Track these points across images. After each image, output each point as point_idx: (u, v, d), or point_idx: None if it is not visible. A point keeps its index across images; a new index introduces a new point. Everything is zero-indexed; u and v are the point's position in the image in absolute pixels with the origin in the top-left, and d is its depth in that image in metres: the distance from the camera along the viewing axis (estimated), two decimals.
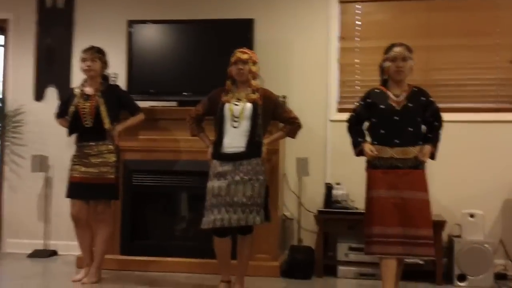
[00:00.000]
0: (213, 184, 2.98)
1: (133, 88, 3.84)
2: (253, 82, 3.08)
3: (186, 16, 4.04)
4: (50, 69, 4.37)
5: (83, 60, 3.38)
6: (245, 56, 3.06)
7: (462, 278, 3.45)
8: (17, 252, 4.24)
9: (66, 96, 3.55)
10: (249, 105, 3.02)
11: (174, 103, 3.96)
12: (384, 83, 2.96)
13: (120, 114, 3.47)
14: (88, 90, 3.40)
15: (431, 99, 2.93)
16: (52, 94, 4.37)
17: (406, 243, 2.77)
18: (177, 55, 3.90)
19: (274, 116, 3.14)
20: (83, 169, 3.34)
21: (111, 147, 3.37)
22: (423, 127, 2.94)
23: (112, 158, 3.36)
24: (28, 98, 4.39)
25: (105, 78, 3.49)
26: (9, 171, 4.41)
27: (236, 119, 3.00)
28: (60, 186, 4.16)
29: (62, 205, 4.02)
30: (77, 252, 3.65)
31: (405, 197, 2.79)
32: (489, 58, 3.90)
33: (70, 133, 3.42)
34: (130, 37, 3.93)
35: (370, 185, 2.88)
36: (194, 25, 3.96)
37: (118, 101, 3.44)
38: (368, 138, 2.99)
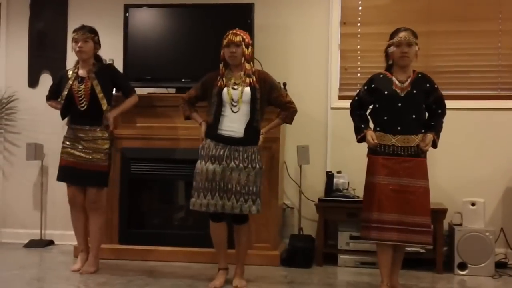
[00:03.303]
0: (207, 166, 2.93)
1: (129, 75, 3.75)
2: (247, 65, 2.98)
3: (184, 0, 3.94)
4: (44, 54, 4.29)
5: (75, 41, 3.29)
6: (237, 39, 2.96)
7: (462, 266, 3.44)
8: (13, 242, 4.19)
9: (58, 78, 3.46)
10: (247, 89, 2.96)
11: (172, 90, 3.89)
12: (389, 68, 2.93)
13: (112, 95, 3.38)
14: (82, 72, 3.32)
15: (436, 86, 2.92)
16: (46, 81, 4.28)
17: (403, 230, 2.79)
18: (175, 41, 3.82)
19: (269, 100, 3.06)
20: (75, 153, 3.28)
21: (105, 133, 3.31)
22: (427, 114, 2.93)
23: (105, 145, 3.30)
24: (21, 85, 4.31)
25: (98, 58, 3.40)
26: (3, 160, 4.34)
27: (234, 104, 2.94)
28: (56, 174, 4.10)
29: (58, 194, 3.98)
30: (74, 241, 3.60)
31: (405, 184, 2.81)
32: (491, 44, 3.85)
33: (64, 116, 3.35)
34: (126, 21, 3.84)
35: (370, 170, 2.89)
36: (192, 10, 3.88)
37: (111, 81, 3.35)
38: (370, 124, 2.96)
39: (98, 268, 3.35)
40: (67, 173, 3.30)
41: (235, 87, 2.97)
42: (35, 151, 4.11)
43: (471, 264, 3.43)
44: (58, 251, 3.99)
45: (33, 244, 4.10)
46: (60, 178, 3.35)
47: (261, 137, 3.00)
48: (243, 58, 2.98)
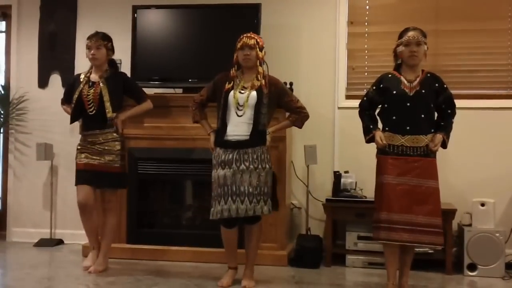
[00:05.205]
0: (218, 173, 2.95)
1: (137, 75, 3.78)
2: (260, 69, 3.01)
3: (192, 1, 3.96)
4: (54, 55, 4.33)
5: (88, 47, 3.32)
6: (252, 42, 2.98)
7: (472, 267, 3.41)
8: (23, 241, 4.24)
9: (71, 82, 3.50)
10: (254, 94, 2.96)
11: (179, 90, 3.90)
12: (398, 68, 2.91)
13: (123, 101, 3.41)
14: (93, 76, 3.35)
15: (445, 85, 2.91)
16: (56, 81, 4.33)
17: (413, 230, 2.78)
18: (183, 41, 3.84)
19: (280, 105, 3.08)
20: (89, 156, 3.30)
21: (116, 135, 3.33)
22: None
23: (116, 146, 3.33)
24: (32, 85, 4.35)
25: (112, 64, 3.43)
26: (13, 159, 4.39)
27: (240, 107, 2.95)
28: (66, 174, 4.15)
29: (68, 194, 4.01)
30: (83, 241, 3.63)
31: (414, 185, 2.80)
32: (501, 43, 3.82)
33: (73, 120, 3.37)
34: (134, 22, 3.87)
35: (380, 171, 2.89)
36: (200, 10, 3.90)
37: (123, 89, 3.38)
38: (379, 124, 2.95)
39: (107, 267, 3.37)
40: (84, 175, 3.29)
41: (242, 91, 2.97)
42: (45, 151, 4.15)
43: (481, 265, 3.40)
44: (68, 250, 4.02)
45: (43, 243, 4.14)
46: (79, 181, 3.31)
47: (268, 137, 3.00)
48: (257, 61, 2.99)
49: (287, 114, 3.18)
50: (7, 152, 4.43)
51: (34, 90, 4.34)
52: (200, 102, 3.14)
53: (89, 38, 3.34)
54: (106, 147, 3.30)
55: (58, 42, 4.32)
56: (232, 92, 2.97)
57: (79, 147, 3.35)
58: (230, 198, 2.90)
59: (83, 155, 3.31)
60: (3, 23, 4.49)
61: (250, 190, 2.91)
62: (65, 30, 4.31)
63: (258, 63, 3.00)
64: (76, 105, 3.30)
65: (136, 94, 3.44)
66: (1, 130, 4.42)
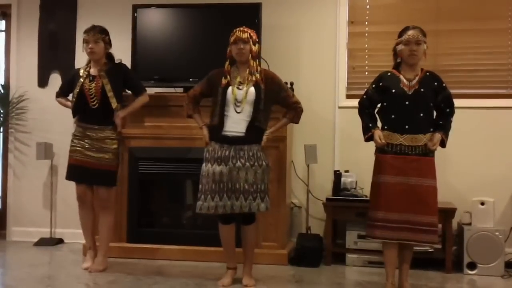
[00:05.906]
0: (214, 169, 2.93)
1: (138, 74, 3.76)
2: (252, 63, 2.98)
3: (192, 0, 3.96)
4: (54, 54, 4.33)
5: (86, 42, 3.31)
6: (245, 35, 2.96)
7: (472, 266, 3.42)
8: (23, 241, 4.23)
9: (70, 76, 3.50)
10: (252, 90, 2.95)
11: (180, 89, 3.91)
12: (397, 66, 2.92)
13: (122, 95, 3.40)
14: (93, 71, 3.35)
15: (444, 84, 2.91)
16: (56, 80, 4.32)
17: (410, 229, 2.79)
18: (183, 41, 3.84)
19: (277, 100, 3.06)
20: (83, 152, 3.31)
21: (114, 133, 3.33)
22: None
23: (114, 145, 3.33)
24: (31, 85, 4.35)
25: (110, 57, 3.42)
26: (13, 159, 4.39)
27: (238, 104, 2.94)
28: (65, 173, 4.14)
29: (68, 193, 4.00)
30: (83, 240, 3.63)
31: (413, 184, 2.81)
32: (501, 42, 3.83)
33: (75, 114, 3.37)
34: (134, 21, 3.87)
35: (378, 169, 2.89)
36: (200, 10, 3.90)
37: (123, 80, 3.37)
38: (378, 123, 2.96)
39: (107, 266, 3.37)
40: (76, 172, 3.33)
41: (240, 86, 2.96)
42: (45, 151, 4.15)
43: (480, 264, 3.41)
44: (68, 249, 4.02)
45: (43, 242, 4.14)
46: (69, 177, 3.39)
47: (265, 137, 2.99)
48: (250, 55, 2.98)
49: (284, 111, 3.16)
50: (7, 152, 4.43)
51: (34, 90, 4.34)
52: (194, 97, 3.12)
53: (86, 32, 3.32)
54: (102, 145, 3.30)
55: (58, 42, 4.32)
56: (230, 88, 2.96)
57: (74, 140, 3.33)
58: (225, 195, 2.90)
59: (78, 150, 3.31)
60: (3, 22, 4.49)
61: (246, 187, 2.90)
62: (65, 29, 4.31)
63: (250, 57, 2.97)
64: (78, 99, 3.30)
65: (135, 86, 3.42)
66: (1, 130, 4.41)
